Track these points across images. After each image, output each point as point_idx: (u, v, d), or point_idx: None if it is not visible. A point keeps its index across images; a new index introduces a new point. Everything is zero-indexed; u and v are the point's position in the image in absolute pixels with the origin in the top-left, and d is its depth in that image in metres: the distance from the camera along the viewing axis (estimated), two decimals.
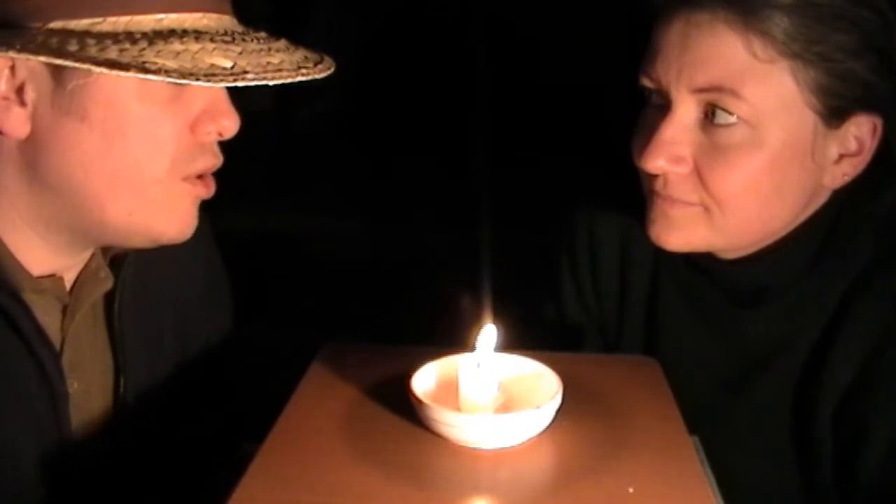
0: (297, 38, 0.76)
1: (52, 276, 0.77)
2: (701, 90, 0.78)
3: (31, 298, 0.74)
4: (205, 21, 0.71)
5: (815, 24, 0.75)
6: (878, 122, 0.80)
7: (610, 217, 1.00)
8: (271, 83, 0.68)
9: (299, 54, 0.73)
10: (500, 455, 0.67)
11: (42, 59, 0.65)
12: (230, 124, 0.75)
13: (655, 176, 0.82)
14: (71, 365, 0.78)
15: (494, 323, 0.74)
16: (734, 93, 0.76)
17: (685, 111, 0.79)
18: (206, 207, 0.82)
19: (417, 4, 3.23)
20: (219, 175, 0.79)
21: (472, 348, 0.73)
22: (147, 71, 0.64)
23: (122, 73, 0.64)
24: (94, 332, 0.82)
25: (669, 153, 0.80)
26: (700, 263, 0.90)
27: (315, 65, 0.73)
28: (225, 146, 0.78)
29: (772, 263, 0.86)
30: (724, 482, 0.70)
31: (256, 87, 0.68)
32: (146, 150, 0.72)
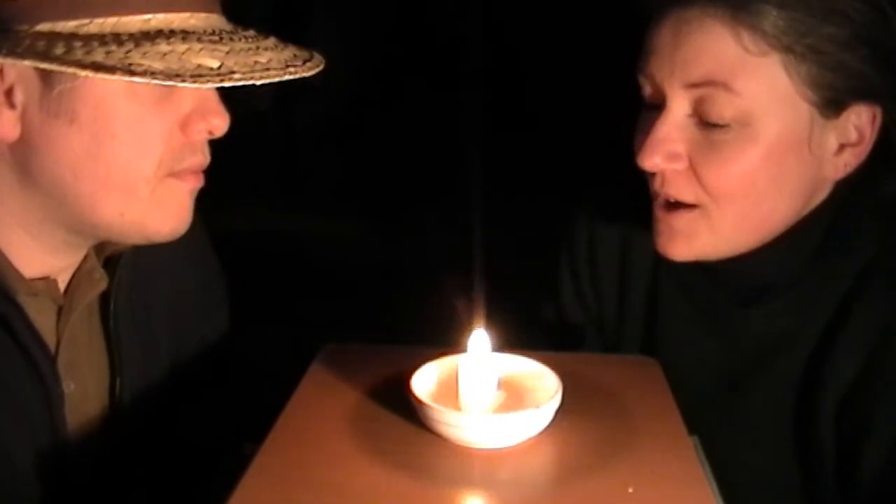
0: (296, 39, 0.75)
1: (45, 278, 0.77)
2: (694, 85, 0.78)
3: (25, 300, 0.74)
4: (192, 21, 0.70)
5: (806, 17, 0.76)
6: (878, 110, 0.80)
7: (610, 217, 1.00)
8: (258, 83, 0.68)
9: (288, 52, 0.73)
10: (499, 455, 0.67)
11: (27, 63, 0.64)
12: (220, 123, 0.75)
13: (654, 175, 0.83)
14: (67, 366, 0.78)
15: (494, 323, 0.74)
16: (726, 86, 0.77)
17: (679, 108, 0.80)
18: (204, 207, 0.82)
19: (417, 7, 3.23)
20: (218, 175, 0.79)
21: (470, 348, 0.73)
22: (133, 73, 0.64)
23: (108, 76, 0.63)
24: (89, 333, 0.82)
25: (665, 151, 0.81)
26: (702, 261, 0.90)
27: (304, 62, 0.72)
28: (224, 146, 0.78)
29: (774, 260, 0.86)
30: (725, 482, 0.70)
31: (256, 87, 0.68)
32: (136, 151, 0.71)
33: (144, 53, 0.65)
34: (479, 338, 0.73)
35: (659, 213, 0.85)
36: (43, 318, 0.77)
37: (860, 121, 0.80)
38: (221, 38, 0.69)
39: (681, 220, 0.83)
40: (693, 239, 0.83)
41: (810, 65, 0.77)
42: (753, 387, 0.89)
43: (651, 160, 0.81)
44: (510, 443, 0.67)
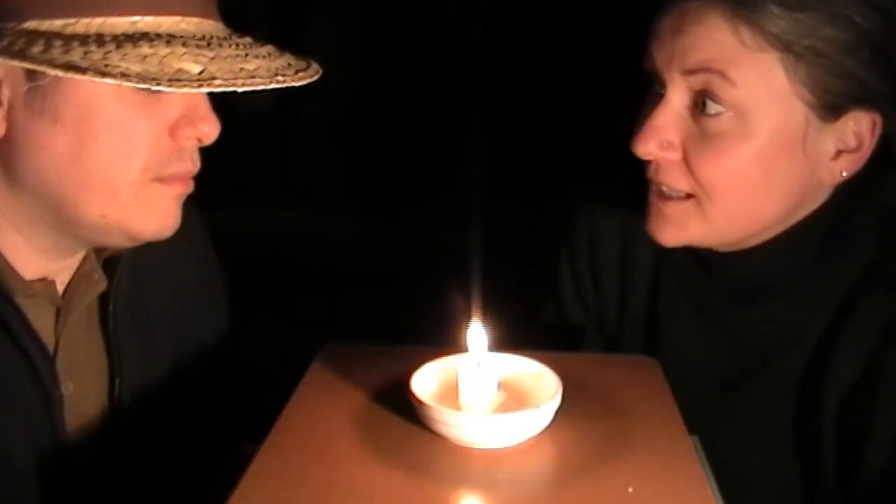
0: (296, 38, 0.75)
1: (43, 279, 0.77)
2: (692, 71, 0.79)
3: (23, 302, 0.74)
4: (183, 25, 0.69)
5: (808, 18, 0.76)
6: (878, 118, 0.80)
7: (610, 217, 1.00)
8: (240, 90, 0.67)
9: (282, 61, 0.72)
10: (499, 455, 0.67)
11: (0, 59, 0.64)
12: (210, 130, 0.74)
13: (650, 162, 0.84)
14: (66, 367, 0.78)
15: (494, 323, 0.74)
16: (723, 75, 0.77)
17: (677, 97, 0.81)
18: (204, 207, 0.82)
19: (417, 7, 3.23)
20: (219, 176, 0.79)
21: (470, 349, 0.73)
22: (105, 74, 0.63)
23: (78, 77, 0.63)
24: (88, 334, 0.82)
25: (659, 139, 0.81)
26: (702, 260, 0.90)
27: (297, 72, 0.71)
28: (226, 147, 0.78)
29: (774, 260, 0.86)
30: (725, 482, 0.70)
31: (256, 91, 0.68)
32: (120, 153, 0.71)
33: (124, 55, 0.64)
34: (479, 337, 0.73)
35: (652, 198, 0.86)
36: (41, 320, 0.77)
37: (859, 127, 0.80)
38: (209, 44, 0.68)
39: (673, 208, 0.84)
40: (683, 227, 0.84)
41: (809, 66, 0.77)
42: (753, 387, 0.89)
43: (645, 147, 0.82)
44: (510, 443, 0.67)
